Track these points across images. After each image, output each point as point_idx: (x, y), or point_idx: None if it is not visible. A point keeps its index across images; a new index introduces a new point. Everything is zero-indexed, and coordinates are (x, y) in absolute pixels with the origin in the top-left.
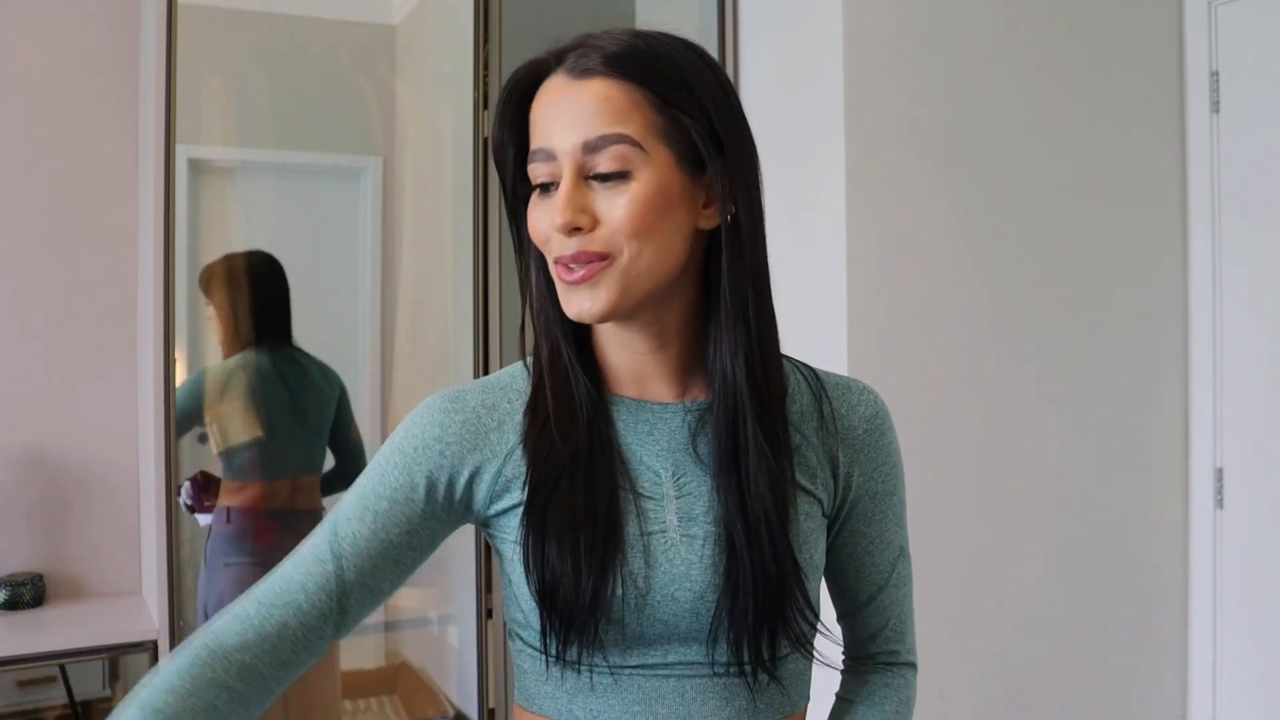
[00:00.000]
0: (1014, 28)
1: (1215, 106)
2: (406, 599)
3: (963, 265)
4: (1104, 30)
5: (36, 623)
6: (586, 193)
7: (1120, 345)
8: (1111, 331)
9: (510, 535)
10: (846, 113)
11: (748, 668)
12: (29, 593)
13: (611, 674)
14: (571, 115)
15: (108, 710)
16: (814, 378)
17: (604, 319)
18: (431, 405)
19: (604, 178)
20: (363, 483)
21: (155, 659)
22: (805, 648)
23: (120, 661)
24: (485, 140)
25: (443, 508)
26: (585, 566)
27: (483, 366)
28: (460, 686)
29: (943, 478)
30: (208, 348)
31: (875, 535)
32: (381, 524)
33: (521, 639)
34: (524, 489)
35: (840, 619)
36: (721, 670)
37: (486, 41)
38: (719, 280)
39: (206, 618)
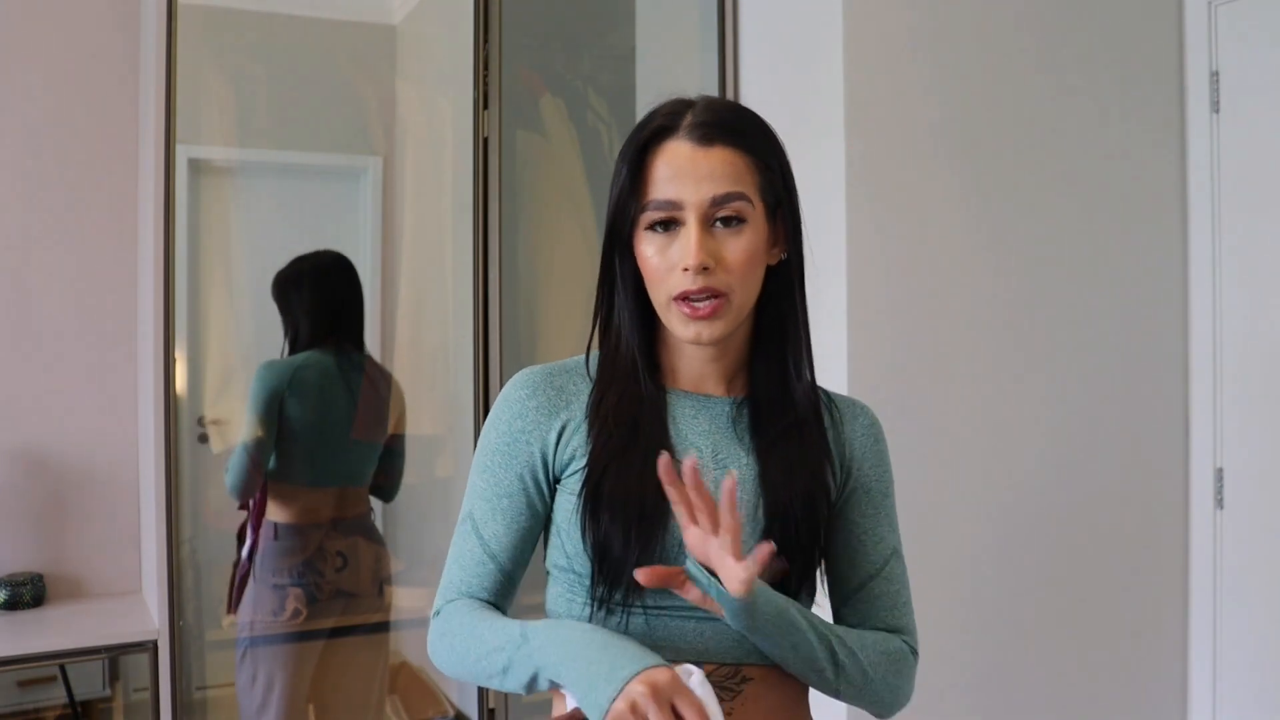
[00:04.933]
0: (1014, 28)
1: (1215, 106)
2: (407, 599)
3: (962, 265)
4: (1104, 30)
5: (36, 623)
6: (709, 239)
7: (1120, 345)
8: (1111, 332)
9: (569, 491)
10: (847, 111)
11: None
12: (29, 593)
13: (644, 614)
14: (699, 175)
15: (108, 710)
16: (825, 396)
17: (714, 344)
18: (509, 396)
19: (726, 221)
20: (480, 485)
21: (155, 659)
22: (810, 592)
23: (120, 661)
24: (485, 140)
25: (546, 482)
26: (635, 530)
27: (483, 366)
28: (460, 686)
29: (942, 477)
30: (209, 347)
31: (869, 528)
32: (511, 516)
33: (561, 581)
34: (585, 458)
35: (835, 611)
36: None
37: (486, 41)
38: (769, 304)
39: (253, 630)
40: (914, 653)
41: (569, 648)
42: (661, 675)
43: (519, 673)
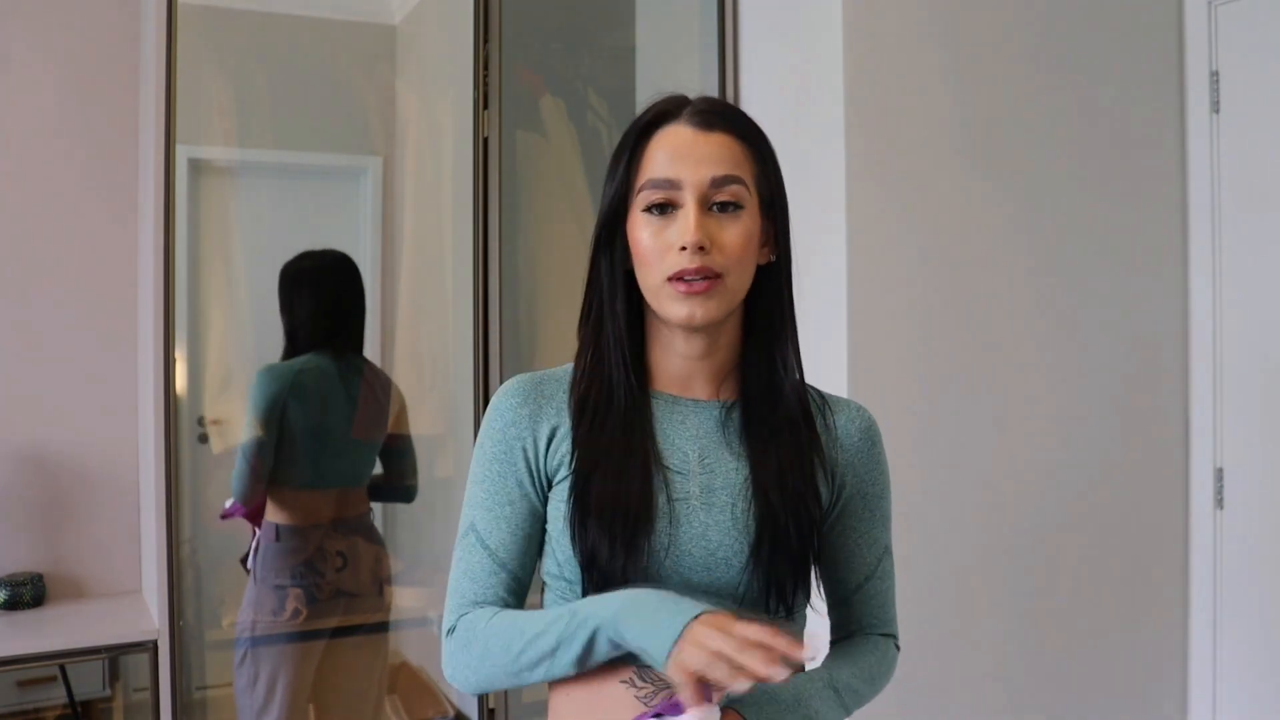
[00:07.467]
0: (1013, 29)
1: (1215, 106)
2: (407, 599)
3: (961, 265)
4: (1104, 30)
5: (36, 623)
6: (707, 221)
7: (1120, 345)
8: (1112, 331)
9: (558, 499)
10: (846, 111)
11: (765, 613)
12: (29, 593)
13: None
14: (699, 157)
15: (108, 710)
16: (820, 397)
17: (706, 325)
18: (498, 405)
19: (723, 206)
20: (479, 495)
21: (155, 659)
22: (806, 596)
23: (120, 661)
24: (485, 140)
25: (541, 487)
26: (621, 537)
27: (483, 366)
28: None
29: (942, 478)
30: (209, 347)
31: (865, 531)
32: (516, 523)
33: (555, 589)
34: (570, 466)
35: (831, 609)
36: None
37: (486, 41)
38: (757, 307)
39: (254, 631)
40: (897, 647)
41: (625, 603)
42: (721, 618)
43: (574, 644)
